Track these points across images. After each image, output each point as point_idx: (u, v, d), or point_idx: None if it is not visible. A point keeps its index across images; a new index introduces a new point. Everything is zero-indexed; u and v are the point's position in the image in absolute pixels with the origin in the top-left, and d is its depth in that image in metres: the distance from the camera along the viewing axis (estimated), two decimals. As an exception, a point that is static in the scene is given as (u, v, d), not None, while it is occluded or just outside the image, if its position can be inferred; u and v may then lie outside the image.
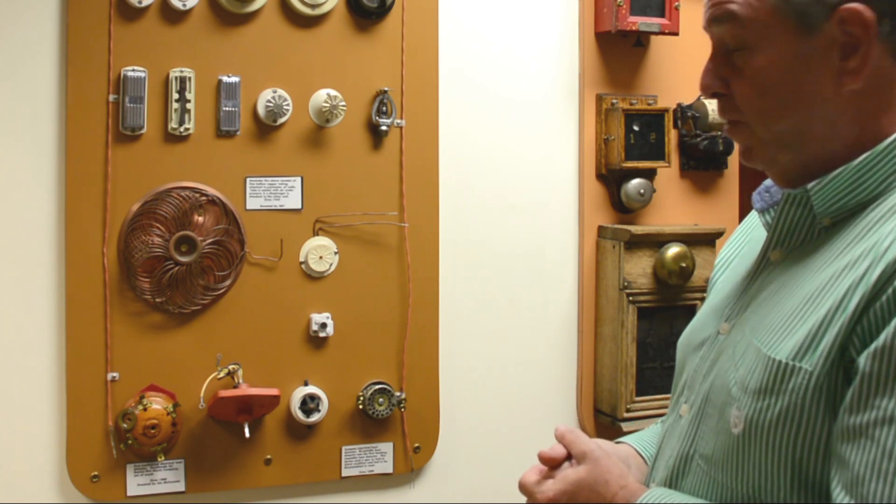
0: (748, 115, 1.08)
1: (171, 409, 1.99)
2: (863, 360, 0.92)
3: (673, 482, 1.13)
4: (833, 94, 1.02)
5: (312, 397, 2.10)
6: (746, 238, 1.29)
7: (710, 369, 1.12)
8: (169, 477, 2.05)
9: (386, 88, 2.14)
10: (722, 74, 1.08)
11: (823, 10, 1.00)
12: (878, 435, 0.89)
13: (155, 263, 2.02)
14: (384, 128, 2.14)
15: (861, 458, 0.90)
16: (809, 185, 1.04)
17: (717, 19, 1.07)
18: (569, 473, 1.16)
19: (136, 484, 2.03)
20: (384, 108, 2.15)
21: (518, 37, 2.32)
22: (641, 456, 1.30)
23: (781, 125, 1.06)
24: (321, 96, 2.08)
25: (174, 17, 2.02)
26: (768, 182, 1.15)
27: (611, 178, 2.35)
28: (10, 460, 1.99)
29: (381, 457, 2.20)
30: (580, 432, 1.21)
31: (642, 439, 1.34)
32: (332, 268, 2.14)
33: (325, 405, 2.12)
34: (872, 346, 0.91)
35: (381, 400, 2.15)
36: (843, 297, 0.96)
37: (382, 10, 2.13)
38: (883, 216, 0.99)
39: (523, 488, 1.19)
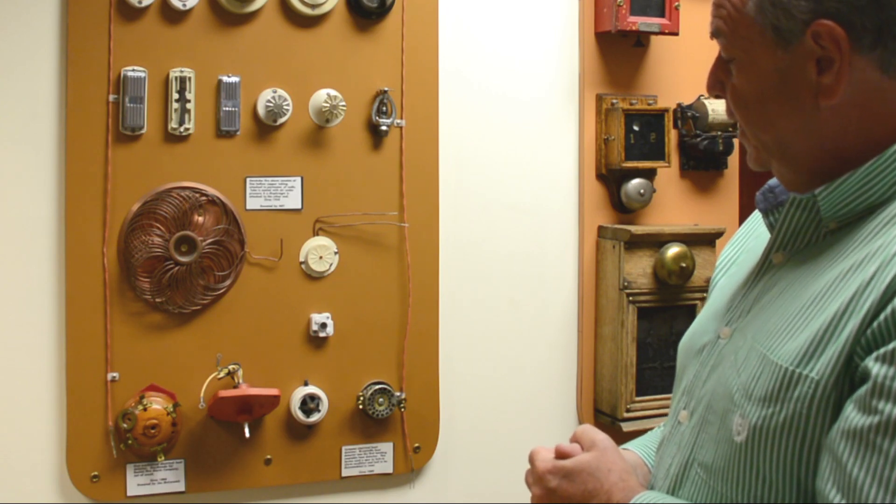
0: (739, 122, 1.10)
1: (171, 409, 1.99)
2: (871, 363, 0.90)
3: (672, 492, 1.11)
4: (812, 109, 1.02)
5: (312, 397, 2.10)
6: (753, 235, 1.26)
7: (710, 375, 1.10)
8: (169, 477, 2.05)
9: (386, 88, 2.14)
10: (720, 78, 1.10)
11: (797, 24, 1.00)
12: (881, 442, 0.88)
13: (155, 263, 2.02)
14: (384, 128, 2.14)
15: (860, 463, 0.89)
16: (817, 191, 1.03)
17: (712, 33, 1.09)
18: (574, 456, 1.16)
19: (136, 484, 2.03)
20: (384, 108, 2.14)
21: (518, 37, 2.32)
22: (647, 465, 1.27)
23: (765, 136, 1.07)
24: (321, 96, 2.08)
25: (174, 17, 2.02)
26: (772, 182, 1.14)
27: (611, 178, 2.35)
28: (10, 460, 1.99)
29: (381, 457, 2.20)
30: (596, 429, 1.21)
31: (646, 446, 1.31)
32: (332, 268, 2.14)
33: (325, 405, 2.11)
34: (883, 350, 0.90)
35: (381, 400, 2.15)
36: (850, 300, 0.94)
37: (382, 10, 2.13)
38: (891, 219, 0.98)
39: (531, 455, 1.20)
